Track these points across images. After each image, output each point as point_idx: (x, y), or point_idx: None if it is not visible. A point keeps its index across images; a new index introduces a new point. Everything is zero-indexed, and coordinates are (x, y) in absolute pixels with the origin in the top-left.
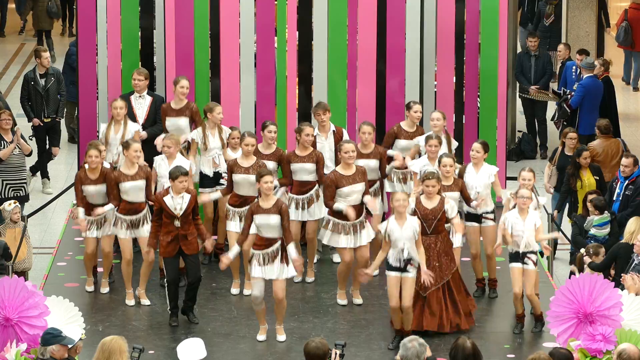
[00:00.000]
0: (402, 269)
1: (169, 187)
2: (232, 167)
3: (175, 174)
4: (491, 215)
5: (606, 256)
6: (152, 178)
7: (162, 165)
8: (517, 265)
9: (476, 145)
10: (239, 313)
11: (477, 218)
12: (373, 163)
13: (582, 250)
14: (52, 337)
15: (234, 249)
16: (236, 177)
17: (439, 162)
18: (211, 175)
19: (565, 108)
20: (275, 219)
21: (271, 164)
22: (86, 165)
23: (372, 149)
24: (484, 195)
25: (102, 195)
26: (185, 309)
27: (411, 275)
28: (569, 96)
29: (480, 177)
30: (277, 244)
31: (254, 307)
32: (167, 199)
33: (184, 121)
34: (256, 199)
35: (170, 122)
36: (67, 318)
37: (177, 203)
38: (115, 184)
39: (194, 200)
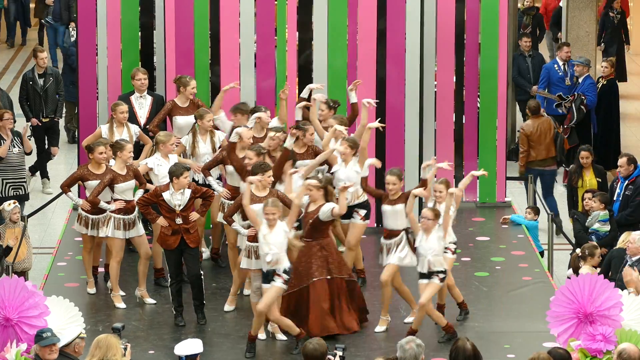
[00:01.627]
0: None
1: (169, 183)
2: (225, 159)
3: (179, 171)
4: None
5: (603, 265)
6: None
7: (162, 166)
8: (423, 282)
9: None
10: (239, 313)
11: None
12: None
13: (578, 251)
14: (36, 336)
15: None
16: (230, 168)
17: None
18: (200, 181)
19: (582, 109)
20: None
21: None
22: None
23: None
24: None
25: (104, 191)
26: (195, 309)
27: (277, 284)
28: (571, 98)
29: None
30: None
31: (253, 300)
32: (166, 195)
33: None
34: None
35: (182, 120)
36: (67, 318)
37: (177, 199)
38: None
39: (194, 194)
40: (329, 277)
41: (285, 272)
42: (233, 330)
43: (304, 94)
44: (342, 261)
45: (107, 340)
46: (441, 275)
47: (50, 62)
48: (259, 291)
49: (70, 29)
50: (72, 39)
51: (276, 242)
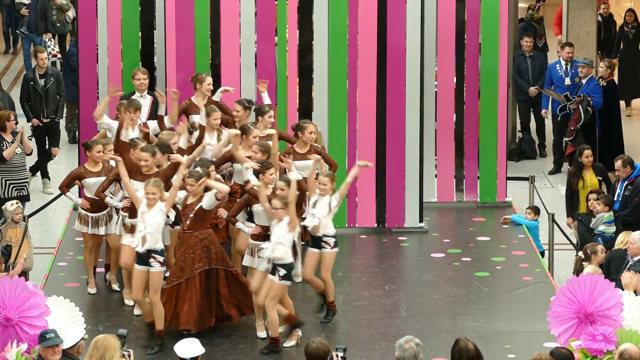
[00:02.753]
0: None
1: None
2: (232, 157)
3: (205, 166)
4: (331, 240)
5: (603, 267)
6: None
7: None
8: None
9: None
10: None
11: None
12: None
13: (580, 253)
14: (39, 337)
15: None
16: (238, 166)
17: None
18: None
19: (589, 111)
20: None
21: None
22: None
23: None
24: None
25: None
26: None
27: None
28: (577, 99)
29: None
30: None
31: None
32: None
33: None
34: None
35: (199, 118)
36: (68, 318)
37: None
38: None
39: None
40: (209, 267)
41: (159, 253)
42: (233, 330)
43: (216, 97)
44: (224, 252)
45: (105, 341)
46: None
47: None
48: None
49: (47, 39)
50: (49, 49)
51: (152, 222)
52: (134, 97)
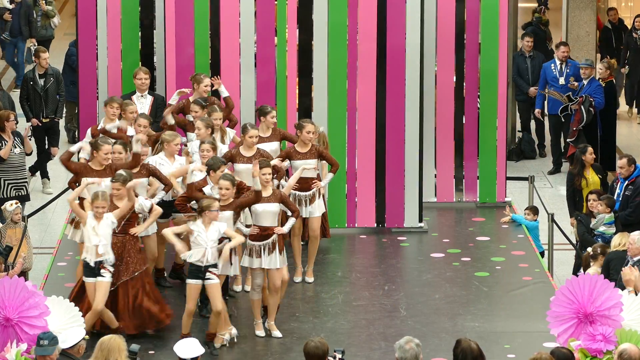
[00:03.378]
0: None
1: (206, 177)
2: (234, 156)
3: (217, 164)
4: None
5: (602, 268)
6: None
7: (164, 166)
8: (195, 282)
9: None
10: (239, 313)
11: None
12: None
13: (589, 249)
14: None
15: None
16: (238, 166)
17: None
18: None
19: (591, 111)
20: (275, 207)
21: (274, 145)
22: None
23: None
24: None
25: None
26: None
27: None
28: (579, 100)
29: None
30: (275, 235)
31: (254, 297)
32: (207, 190)
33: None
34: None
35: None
36: (68, 318)
37: (217, 193)
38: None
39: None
40: (140, 270)
41: (109, 263)
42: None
43: (172, 99)
44: (142, 252)
45: (109, 342)
46: (216, 271)
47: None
48: (259, 288)
49: (31, 45)
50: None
51: (105, 234)
52: (134, 96)
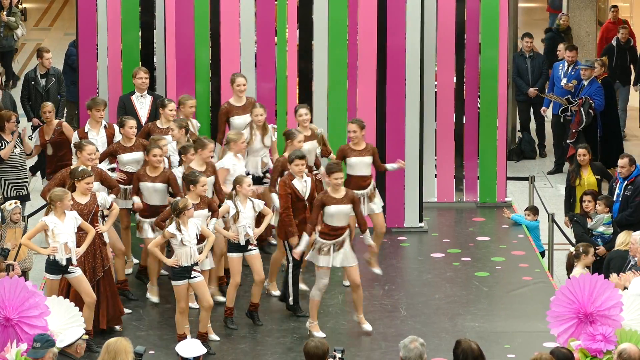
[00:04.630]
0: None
1: (289, 171)
2: (285, 164)
3: (291, 158)
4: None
5: (603, 267)
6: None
7: (237, 166)
8: (182, 283)
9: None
10: (239, 313)
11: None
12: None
13: (572, 249)
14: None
15: (304, 239)
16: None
17: None
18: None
19: (591, 113)
20: (348, 208)
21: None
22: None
23: (364, 146)
24: None
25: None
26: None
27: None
28: (579, 102)
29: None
30: (346, 233)
31: (316, 297)
32: (296, 183)
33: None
34: (325, 190)
35: (240, 120)
36: (68, 318)
37: (303, 186)
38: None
39: (314, 183)
40: (109, 264)
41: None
42: (233, 330)
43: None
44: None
45: (116, 344)
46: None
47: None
48: (324, 288)
49: None
50: None
51: (70, 230)
52: (133, 96)
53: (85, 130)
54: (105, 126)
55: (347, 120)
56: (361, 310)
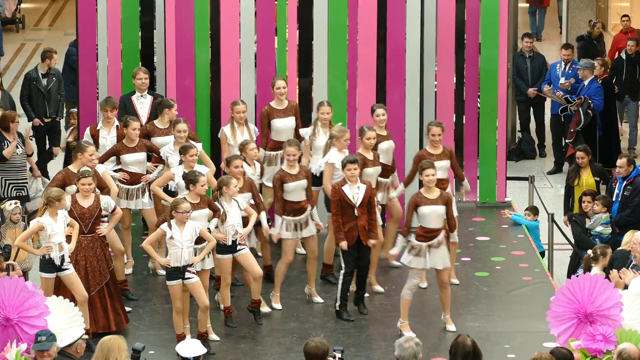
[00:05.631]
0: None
1: (344, 177)
2: (283, 177)
3: (343, 162)
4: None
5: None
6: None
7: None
8: (176, 283)
9: None
10: (238, 313)
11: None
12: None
13: (589, 252)
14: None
15: (399, 241)
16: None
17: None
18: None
19: (589, 113)
20: (442, 209)
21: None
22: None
23: (441, 149)
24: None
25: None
26: (357, 300)
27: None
28: (578, 102)
29: None
30: (442, 234)
31: (406, 297)
32: (346, 189)
33: (293, 120)
34: (418, 191)
35: (281, 122)
36: (68, 318)
37: (355, 192)
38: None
39: (369, 190)
40: (111, 267)
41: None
42: (233, 330)
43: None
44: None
45: (109, 342)
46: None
47: None
48: (415, 288)
49: None
50: None
51: (61, 230)
52: (134, 96)
53: (97, 128)
54: (117, 126)
55: (427, 123)
56: (449, 310)
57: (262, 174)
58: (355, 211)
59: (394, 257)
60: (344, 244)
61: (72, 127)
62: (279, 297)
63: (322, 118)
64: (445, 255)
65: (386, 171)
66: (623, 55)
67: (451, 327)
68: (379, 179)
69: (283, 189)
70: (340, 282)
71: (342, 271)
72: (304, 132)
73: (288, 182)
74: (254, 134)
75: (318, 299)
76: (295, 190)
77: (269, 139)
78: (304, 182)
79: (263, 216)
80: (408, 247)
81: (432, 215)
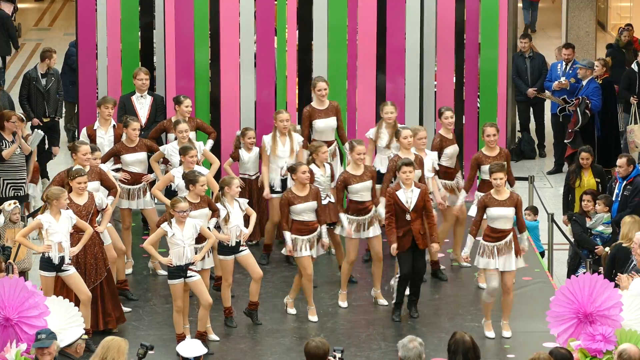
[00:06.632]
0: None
1: (399, 182)
2: (348, 179)
3: (399, 165)
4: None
5: (607, 263)
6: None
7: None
8: (177, 282)
9: None
10: (238, 313)
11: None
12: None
13: (607, 249)
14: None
15: (469, 241)
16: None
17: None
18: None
19: (587, 113)
20: (511, 211)
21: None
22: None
23: (497, 151)
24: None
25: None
26: (410, 304)
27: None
28: (576, 102)
29: None
30: (510, 235)
31: (487, 300)
32: (400, 193)
33: (334, 120)
34: (488, 192)
35: (322, 123)
36: (67, 318)
37: (409, 197)
38: None
39: (424, 194)
40: (108, 265)
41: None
42: (233, 330)
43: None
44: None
45: (111, 342)
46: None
47: None
48: (495, 292)
49: None
50: None
51: (65, 229)
52: (133, 97)
53: (94, 128)
54: (114, 125)
55: (481, 125)
56: (507, 316)
57: (332, 177)
58: (408, 215)
59: (464, 259)
60: (393, 248)
61: (38, 126)
62: (345, 295)
63: (386, 118)
64: (510, 259)
65: (449, 174)
66: (635, 67)
67: (507, 332)
68: (444, 181)
69: (347, 190)
70: (395, 285)
71: (398, 275)
72: (369, 133)
73: (352, 184)
74: (296, 145)
75: (383, 301)
76: (361, 191)
77: (311, 139)
78: (369, 183)
79: (324, 229)
80: (478, 250)
81: (500, 217)
